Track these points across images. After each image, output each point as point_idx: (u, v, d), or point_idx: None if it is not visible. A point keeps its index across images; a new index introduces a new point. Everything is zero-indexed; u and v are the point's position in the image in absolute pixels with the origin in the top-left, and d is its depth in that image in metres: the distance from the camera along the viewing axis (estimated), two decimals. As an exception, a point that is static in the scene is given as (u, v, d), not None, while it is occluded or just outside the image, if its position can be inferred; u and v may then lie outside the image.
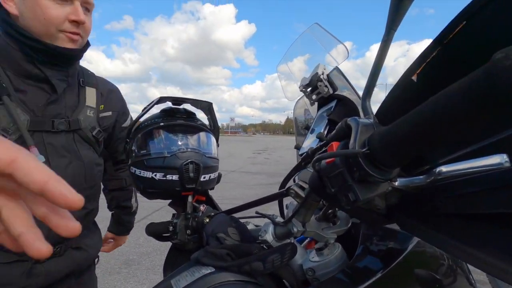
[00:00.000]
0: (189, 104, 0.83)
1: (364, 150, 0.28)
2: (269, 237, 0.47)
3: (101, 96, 0.88)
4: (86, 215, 0.85)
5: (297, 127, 0.85)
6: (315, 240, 0.53)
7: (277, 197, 0.50)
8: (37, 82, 0.72)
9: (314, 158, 0.33)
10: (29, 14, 0.68)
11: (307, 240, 0.55)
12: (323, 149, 0.38)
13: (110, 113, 0.90)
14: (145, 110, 0.75)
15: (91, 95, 0.84)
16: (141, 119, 0.79)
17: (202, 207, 0.70)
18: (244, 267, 0.43)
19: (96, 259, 0.96)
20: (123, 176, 1.05)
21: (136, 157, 0.73)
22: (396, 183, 0.31)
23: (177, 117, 0.78)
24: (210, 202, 0.77)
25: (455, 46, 0.30)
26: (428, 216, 0.33)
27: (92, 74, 0.90)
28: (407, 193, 0.33)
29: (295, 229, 0.43)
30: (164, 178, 0.68)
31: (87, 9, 0.75)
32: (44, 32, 0.69)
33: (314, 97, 0.68)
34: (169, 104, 0.80)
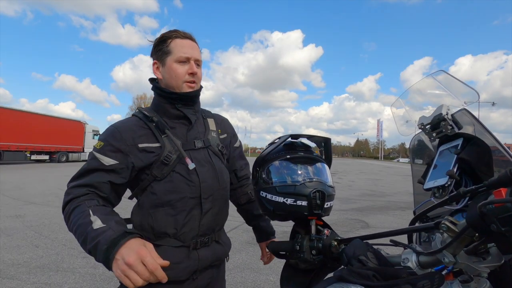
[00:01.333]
0: (305, 138, 0.96)
1: None
2: (412, 264, 0.53)
3: (217, 124, 1.17)
4: (219, 214, 1.05)
5: (413, 160, 0.89)
6: (452, 272, 0.57)
7: (423, 229, 0.56)
8: (179, 119, 1.04)
9: (484, 202, 0.39)
10: (167, 75, 1.02)
11: (445, 271, 0.58)
12: (481, 191, 0.44)
13: (225, 135, 1.18)
14: (275, 145, 0.90)
15: (211, 123, 1.14)
16: (268, 153, 0.93)
17: (326, 231, 0.79)
18: (394, 287, 0.50)
19: (227, 257, 1.14)
20: (248, 190, 1.26)
21: (266, 183, 0.87)
22: None
23: (297, 150, 0.90)
24: (328, 227, 0.86)
25: None
26: None
27: (209, 111, 1.20)
28: None
29: (446, 260, 0.49)
30: (295, 203, 0.80)
31: (198, 64, 1.05)
32: (176, 85, 1.01)
33: (435, 134, 0.73)
34: (289, 139, 0.94)
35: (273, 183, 0.85)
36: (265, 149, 0.94)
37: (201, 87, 1.08)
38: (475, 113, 0.68)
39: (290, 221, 0.89)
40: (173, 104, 1.01)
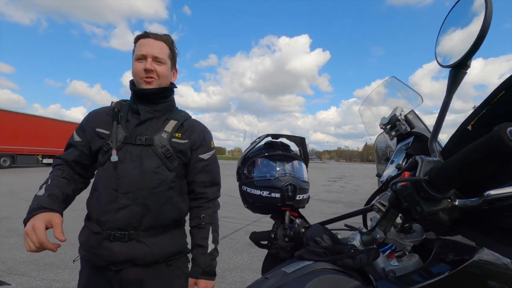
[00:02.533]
0: (284, 138, 1.06)
1: (425, 177, 0.43)
2: (356, 243, 0.62)
3: (181, 127, 1.12)
4: (142, 214, 1.01)
5: (378, 158, 0.98)
6: (395, 251, 0.66)
7: (363, 212, 0.65)
8: (135, 114, 1.10)
9: (392, 182, 0.49)
10: (132, 73, 1.10)
11: (388, 251, 0.67)
12: (398, 177, 0.53)
13: (186, 141, 1.11)
14: (255, 144, 1.01)
15: (171, 125, 1.11)
16: (248, 151, 1.04)
17: (298, 221, 0.88)
18: (337, 262, 0.59)
19: (177, 259, 1.10)
20: (201, 215, 1.13)
21: (247, 178, 0.97)
22: (456, 203, 0.44)
23: (276, 149, 1.00)
24: (301, 218, 0.95)
25: (498, 107, 0.43)
26: (490, 230, 0.44)
27: (185, 116, 1.17)
28: (471, 212, 0.45)
29: (378, 236, 0.57)
30: (269, 196, 0.90)
31: (159, 61, 1.08)
32: (136, 82, 1.09)
33: (393, 133, 0.82)
34: (269, 138, 1.04)
35: (252, 177, 0.95)
36: (247, 148, 1.04)
37: (167, 88, 1.12)
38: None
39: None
40: (134, 100, 1.11)
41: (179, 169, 1.10)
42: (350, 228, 0.70)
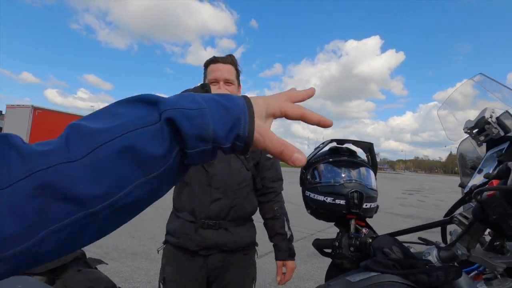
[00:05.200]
0: (350, 144, 1.01)
1: None
2: (433, 258, 0.56)
3: None
4: (231, 206, 1.20)
5: (462, 167, 0.86)
6: (483, 273, 0.57)
7: (441, 224, 0.58)
8: None
9: (476, 190, 0.42)
10: None
11: (474, 272, 0.58)
12: (485, 185, 0.46)
13: None
14: (318, 149, 0.99)
15: None
16: (312, 156, 1.03)
17: (364, 230, 0.84)
18: (409, 276, 0.54)
19: (248, 251, 1.29)
20: (275, 207, 1.34)
21: (310, 184, 0.97)
22: None
23: (341, 154, 0.97)
24: (369, 227, 0.89)
25: None
26: None
27: None
28: None
29: (459, 252, 0.51)
30: (333, 202, 0.87)
31: (229, 83, 1.23)
32: None
33: (481, 138, 0.71)
34: (334, 144, 1.01)
35: (316, 183, 0.94)
36: (311, 153, 1.03)
37: None
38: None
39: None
40: None
41: (253, 169, 1.29)
42: (425, 241, 0.63)
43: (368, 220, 0.95)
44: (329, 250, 0.94)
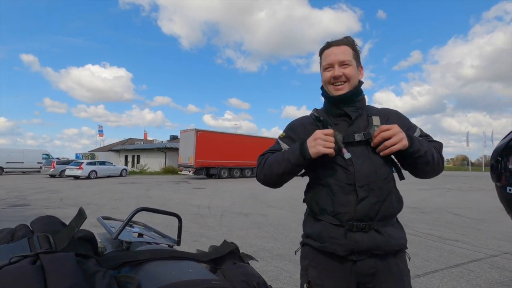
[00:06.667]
0: None
1: None
2: None
3: (382, 119, 1.19)
4: (377, 203, 1.08)
5: None
6: None
7: None
8: (341, 116, 1.19)
9: None
10: (323, 82, 1.22)
11: None
12: None
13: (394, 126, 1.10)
14: None
15: (376, 120, 1.18)
16: (510, 139, 0.70)
17: None
18: None
19: (401, 254, 1.13)
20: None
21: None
22: None
23: None
24: None
25: None
26: None
27: (376, 108, 1.27)
28: None
29: None
30: None
31: (346, 64, 1.14)
32: (328, 89, 1.20)
33: None
34: None
35: None
36: (507, 136, 0.71)
37: (357, 86, 1.18)
38: None
39: None
40: (336, 105, 1.19)
41: (392, 161, 1.17)
42: None
43: None
44: None
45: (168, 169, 27.16)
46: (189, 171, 20.44)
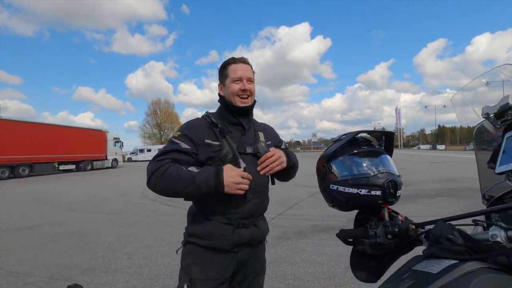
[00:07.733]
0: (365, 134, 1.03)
1: None
2: (501, 239, 0.59)
3: (265, 135, 1.43)
4: (259, 204, 1.32)
5: (477, 147, 0.95)
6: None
7: (506, 209, 0.62)
8: (236, 125, 1.34)
9: None
10: (227, 92, 1.33)
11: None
12: None
13: (270, 142, 1.43)
14: (342, 142, 0.98)
15: (261, 136, 1.40)
16: (334, 150, 1.00)
17: (401, 217, 0.86)
18: (488, 259, 0.57)
19: (265, 240, 1.43)
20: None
21: (336, 177, 0.95)
22: None
23: (361, 145, 0.98)
24: (396, 213, 0.93)
25: None
26: None
27: (258, 122, 1.48)
28: None
29: None
30: (369, 194, 0.87)
31: (250, 81, 1.34)
32: (233, 99, 1.31)
33: (500, 122, 0.79)
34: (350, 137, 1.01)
35: (344, 176, 0.93)
36: (330, 146, 1.02)
37: (254, 101, 1.38)
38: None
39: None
40: (235, 114, 1.33)
41: None
42: (483, 222, 0.67)
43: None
44: (350, 239, 0.95)
45: None
46: None
